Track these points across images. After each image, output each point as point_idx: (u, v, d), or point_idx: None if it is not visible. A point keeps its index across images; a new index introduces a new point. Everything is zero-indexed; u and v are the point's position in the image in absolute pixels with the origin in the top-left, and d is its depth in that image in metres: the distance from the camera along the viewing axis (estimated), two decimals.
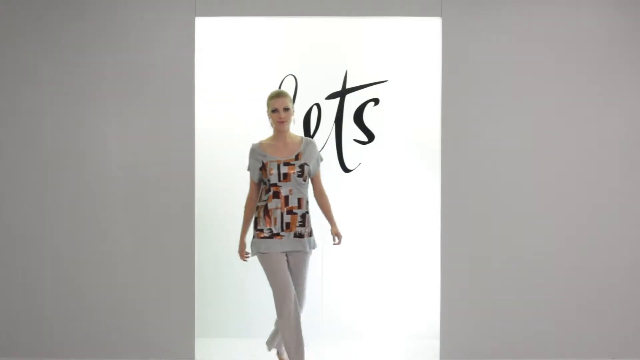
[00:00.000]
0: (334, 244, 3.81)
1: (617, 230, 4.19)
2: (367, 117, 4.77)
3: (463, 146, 4.17)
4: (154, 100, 4.16)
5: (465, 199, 4.17)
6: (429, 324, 4.64)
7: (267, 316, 4.19)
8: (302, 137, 3.83)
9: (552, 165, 4.18)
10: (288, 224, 3.68)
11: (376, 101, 4.76)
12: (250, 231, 3.76)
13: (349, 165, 4.78)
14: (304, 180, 3.72)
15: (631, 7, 4.19)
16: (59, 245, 4.18)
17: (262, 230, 3.70)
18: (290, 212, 3.69)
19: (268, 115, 3.77)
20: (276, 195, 3.68)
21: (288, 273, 3.67)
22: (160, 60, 4.16)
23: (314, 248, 3.81)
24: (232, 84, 4.76)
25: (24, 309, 4.19)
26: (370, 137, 4.77)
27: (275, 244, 3.68)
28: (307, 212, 3.74)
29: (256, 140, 3.81)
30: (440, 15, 4.16)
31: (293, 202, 3.69)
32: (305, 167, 3.71)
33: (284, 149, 3.75)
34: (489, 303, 4.18)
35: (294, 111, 3.82)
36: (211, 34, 4.64)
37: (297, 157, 3.72)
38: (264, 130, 3.94)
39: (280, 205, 3.68)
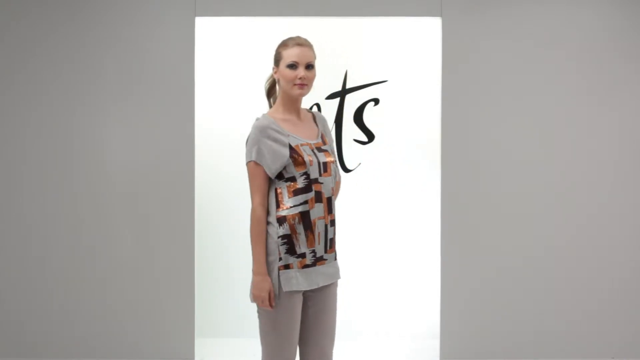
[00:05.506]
0: None
1: (618, 230, 4.19)
2: (367, 117, 4.76)
3: (463, 146, 4.17)
4: (154, 100, 4.16)
5: (465, 199, 4.17)
6: (429, 324, 4.63)
7: None
8: (308, 110, 2.69)
9: (552, 165, 4.18)
10: (332, 242, 2.53)
11: (376, 101, 4.76)
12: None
13: (349, 166, 4.77)
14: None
15: (631, 6, 4.19)
16: (58, 244, 4.17)
17: (303, 256, 2.47)
18: (333, 223, 2.53)
19: (276, 73, 2.57)
20: (319, 197, 2.47)
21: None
22: (160, 60, 4.16)
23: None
24: (232, 84, 4.75)
25: (22, 309, 4.18)
26: (370, 137, 4.77)
27: (317, 275, 2.50)
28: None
29: (260, 113, 2.64)
30: (440, 15, 4.16)
31: (334, 208, 2.55)
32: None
33: (302, 126, 2.57)
34: (489, 303, 4.17)
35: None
36: (211, 34, 4.64)
37: (323, 140, 2.59)
38: None
39: (324, 213, 2.49)
